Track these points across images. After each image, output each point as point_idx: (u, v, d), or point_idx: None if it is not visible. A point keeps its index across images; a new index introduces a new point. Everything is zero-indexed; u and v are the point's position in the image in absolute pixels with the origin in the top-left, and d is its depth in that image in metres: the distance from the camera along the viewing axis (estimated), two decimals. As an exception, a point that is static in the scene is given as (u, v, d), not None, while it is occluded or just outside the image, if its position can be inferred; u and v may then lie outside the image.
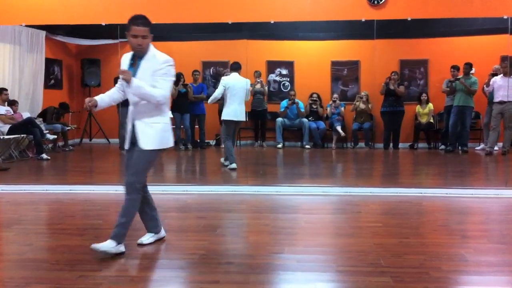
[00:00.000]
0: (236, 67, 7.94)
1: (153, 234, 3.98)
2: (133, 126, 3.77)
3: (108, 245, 3.58)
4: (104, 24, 7.70)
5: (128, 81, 3.59)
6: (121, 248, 3.63)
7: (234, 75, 7.89)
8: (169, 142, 3.85)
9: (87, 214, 5.03)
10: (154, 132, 3.73)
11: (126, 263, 3.50)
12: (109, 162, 9.48)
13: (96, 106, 3.78)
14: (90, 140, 11.49)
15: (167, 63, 3.73)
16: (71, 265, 3.44)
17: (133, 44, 3.63)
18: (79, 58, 11.71)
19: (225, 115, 7.85)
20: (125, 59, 3.80)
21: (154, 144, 3.73)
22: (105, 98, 3.87)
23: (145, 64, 3.69)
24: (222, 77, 8.15)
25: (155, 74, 3.67)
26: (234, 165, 7.76)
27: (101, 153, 10.85)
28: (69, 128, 10.82)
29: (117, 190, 6.16)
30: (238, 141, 11.26)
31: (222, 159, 8.31)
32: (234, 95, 7.75)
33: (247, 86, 7.92)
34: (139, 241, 3.89)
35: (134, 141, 3.79)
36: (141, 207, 3.90)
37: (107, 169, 8.52)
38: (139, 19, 3.61)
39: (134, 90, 3.62)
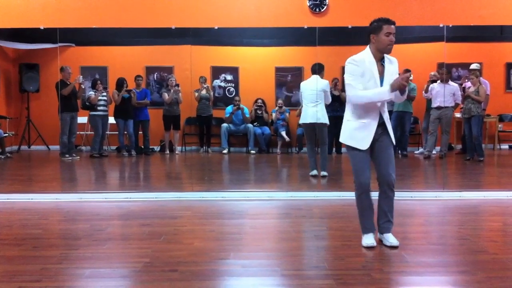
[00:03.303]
0: (313, 69, 7.62)
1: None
2: (382, 123, 3.95)
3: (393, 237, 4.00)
4: (43, 28, 7.48)
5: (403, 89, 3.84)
6: None
7: (311, 77, 7.57)
8: None
9: (25, 224, 4.85)
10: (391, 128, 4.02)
11: (67, 273, 3.40)
12: (49, 169, 9.19)
13: None
14: (29, 147, 11.11)
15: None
16: (9, 276, 3.32)
17: (385, 42, 3.86)
18: (16, 63, 11.31)
19: (301, 119, 7.76)
20: (367, 62, 3.93)
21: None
22: None
23: (389, 67, 3.94)
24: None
25: (394, 75, 3.95)
26: (313, 172, 7.58)
27: (40, 160, 10.50)
28: (6, 134, 10.43)
29: (57, 199, 6.00)
30: (183, 147, 11.21)
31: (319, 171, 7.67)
32: (305, 98, 7.57)
33: (320, 87, 7.43)
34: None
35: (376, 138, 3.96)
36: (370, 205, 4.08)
37: (46, 177, 8.26)
38: (391, 20, 3.91)
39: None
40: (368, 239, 4.00)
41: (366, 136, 3.91)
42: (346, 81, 3.97)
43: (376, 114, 3.91)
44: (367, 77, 3.89)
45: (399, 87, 3.77)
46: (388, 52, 3.92)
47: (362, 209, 4.05)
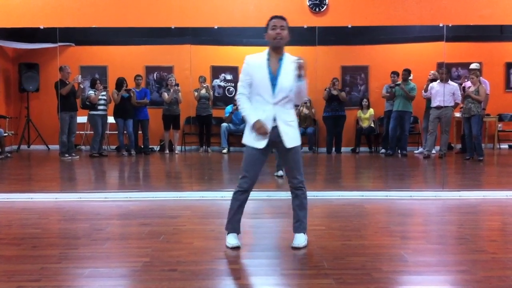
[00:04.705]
0: None
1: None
2: (276, 126, 3.86)
3: (303, 239, 3.96)
4: (42, 28, 7.48)
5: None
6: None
7: None
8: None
9: (24, 223, 4.85)
10: (294, 130, 3.91)
11: (66, 272, 3.40)
12: (48, 169, 9.19)
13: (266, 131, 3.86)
14: (29, 146, 11.10)
15: None
16: (8, 276, 3.31)
17: (271, 35, 3.89)
18: (16, 63, 11.30)
19: None
20: (258, 61, 3.94)
21: (299, 139, 3.93)
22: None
23: (286, 66, 3.89)
24: None
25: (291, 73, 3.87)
26: (281, 172, 7.53)
27: (40, 160, 10.50)
28: (6, 134, 10.42)
29: (57, 198, 6.00)
30: (183, 147, 11.21)
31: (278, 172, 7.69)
32: None
33: None
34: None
35: (274, 141, 3.88)
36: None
37: (46, 176, 8.26)
38: (277, 15, 3.98)
39: (302, 99, 3.97)
40: (231, 239, 3.97)
41: (261, 136, 3.89)
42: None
43: (267, 116, 3.85)
44: (257, 77, 3.89)
45: (257, 130, 3.85)
46: (277, 44, 3.90)
47: (231, 206, 4.02)
